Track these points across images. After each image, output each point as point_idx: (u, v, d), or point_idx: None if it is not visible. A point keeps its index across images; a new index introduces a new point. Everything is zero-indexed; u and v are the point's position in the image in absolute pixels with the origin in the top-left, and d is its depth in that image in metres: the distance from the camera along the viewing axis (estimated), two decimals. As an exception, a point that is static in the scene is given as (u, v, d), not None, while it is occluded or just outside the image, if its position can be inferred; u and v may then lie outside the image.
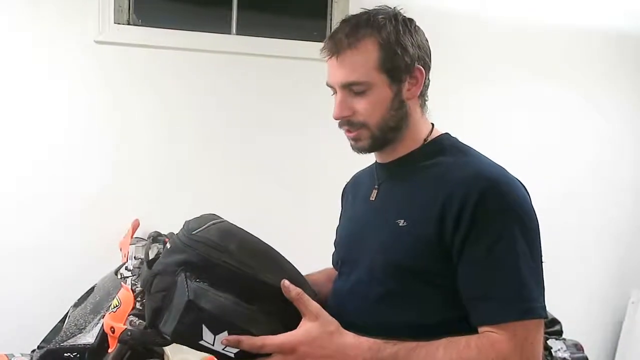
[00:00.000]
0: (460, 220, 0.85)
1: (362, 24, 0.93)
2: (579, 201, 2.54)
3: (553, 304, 1.47)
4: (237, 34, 2.23)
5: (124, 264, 1.61)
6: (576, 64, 2.52)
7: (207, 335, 0.78)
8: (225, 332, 0.78)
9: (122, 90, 2.10)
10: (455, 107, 2.27)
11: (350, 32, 0.93)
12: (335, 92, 0.97)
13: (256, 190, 2.22)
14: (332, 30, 0.97)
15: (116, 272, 1.56)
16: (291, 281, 0.85)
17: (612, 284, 2.63)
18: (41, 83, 2.04)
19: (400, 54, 0.93)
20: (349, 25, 0.94)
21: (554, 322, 1.36)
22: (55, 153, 2.06)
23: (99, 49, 2.06)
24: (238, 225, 0.90)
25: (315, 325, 0.83)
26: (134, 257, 1.62)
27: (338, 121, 0.97)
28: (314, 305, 0.85)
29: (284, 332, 0.82)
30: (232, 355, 0.80)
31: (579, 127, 2.56)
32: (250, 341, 0.80)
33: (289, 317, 0.83)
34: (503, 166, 0.93)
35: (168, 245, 0.89)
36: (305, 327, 0.83)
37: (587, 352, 1.56)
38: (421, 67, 0.96)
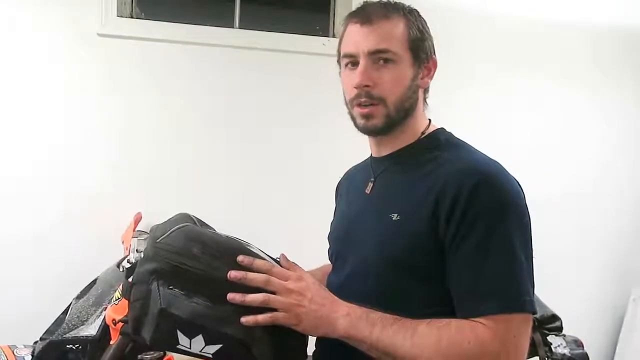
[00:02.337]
0: (452, 213, 0.85)
1: (391, 5, 0.97)
2: (580, 200, 2.53)
3: (554, 300, 1.47)
4: (239, 28, 2.23)
5: (126, 256, 1.62)
6: (579, 62, 2.51)
7: (183, 339, 0.80)
8: (200, 336, 0.80)
9: (125, 83, 2.10)
10: (456, 105, 2.26)
11: (384, 8, 0.96)
12: (350, 64, 0.96)
13: (258, 183, 2.22)
14: (359, 6, 0.99)
15: (118, 265, 1.57)
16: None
17: (614, 282, 2.63)
18: (43, 76, 2.04)
19: (424, 39, 0.97)
20: (379, 4, 0.98)
21: (554, 318, 1.36)
22: (57, 146, 2.06)
23: (101, 41, 2.06)
24: (210, 226, 0.90)
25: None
26: (136, 250, 1.63)
27: (354, 93, 0.95)
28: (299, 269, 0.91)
29: (259, 329, 0.82)
30: (210, 356, 0.81)
31: (580, 126, 2.55)
32: (262, 262, 0.85)
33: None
34: (499, 162, 0.92)
35: (142, 254, 0.90)
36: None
37: (587, 349, 1.56)
38: (435, 59, 1.00)
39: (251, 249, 0.91)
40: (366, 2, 0.99)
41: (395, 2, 0.99)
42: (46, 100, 2.04)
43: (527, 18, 2.42)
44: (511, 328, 0.81)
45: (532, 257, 0.87)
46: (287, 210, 2.22)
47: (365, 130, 0.98)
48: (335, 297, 0.88)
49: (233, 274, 0.82)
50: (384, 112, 0.94)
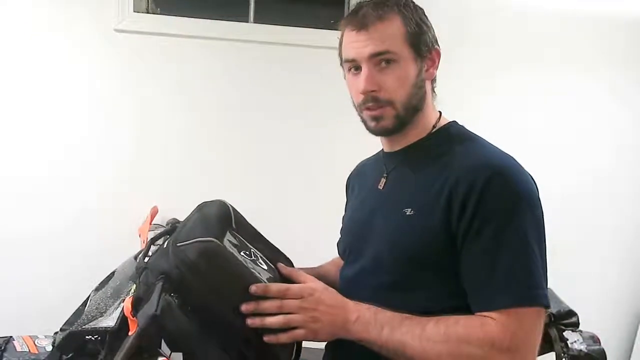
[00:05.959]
0: (466, 207, 0.85)
1: (384, 3, 0.95)
2: (598, 197, 2.50)
3: (571, 296, 1.46)
4: (254, 22, 2.24)
5: (144, 249, 1.63)
6: (597, 56, 2.47)
7: (164, 347, 0.81)
8: (181, 355, 0.80)
9: (141, 78, 2.13)
10: (474, 95, 2.24)
11: (377, 7, 0.94)
12: (356, 69, 0.96)
13: (274, 179, 2.23)
14: (352, 10, 0.98)
15: (136, 258, 1.58)
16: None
17: (631, 278, 2.60)
18: (61, 71, 2.07)
19: (424, 31, 0.95)
20: (373, 3, 0.95)
21: (571, 313, 1.34)
22: (75, 140, 2.09)
23: (118, 37, 2.08)
24: (227, 249, 0.89)
25: (319, 282, 0.90)
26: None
27: (362, 99, 0.95)
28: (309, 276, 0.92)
29: None
30: None
31: (599, 121, 2.51)
32: (276, 287, 0.86)
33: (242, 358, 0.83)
34: (512, 156, 0.92)
35: (164, 245, 0.90)
36: (314, 281, 0.90)
37: (604, 345, 1.54)
38: (438, 49, 0.98)
39: (261, 278, 0.89)
40: (360, 2, 0.98)
41: None
42: (65, 94, 2.07)
43: (547, 6, 2.39)
44: (523, 322, 0.81)
45: (545, 251, 0.87)
46: (304, 207, 2.23)
47: (376, 132, 0.99)
48: (345, 300, 0.89)
49: (245, 307, 0.83)
50: (393, 113, 0.95)
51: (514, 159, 0.91)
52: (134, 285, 1.26)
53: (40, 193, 2.08)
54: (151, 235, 1.73)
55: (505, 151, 0.93)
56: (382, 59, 0.92)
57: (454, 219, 0.86)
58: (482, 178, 0.85)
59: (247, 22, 2.24)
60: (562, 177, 2.40)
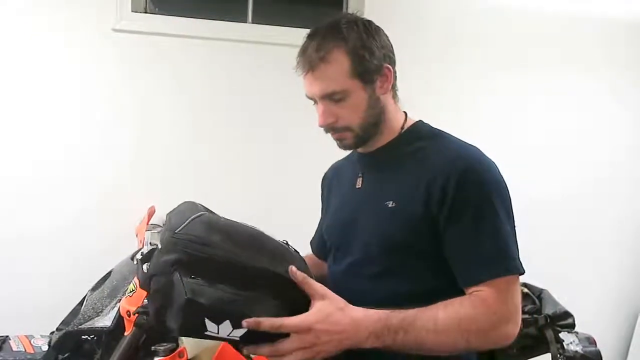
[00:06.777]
0: (444, 198, 0.94)
1: (329, 37, 0.99)
2: (595, 199, 2.51)
3: (568, 298, 1.46)
4: (253, 23, 2.24)
5: (140, 249, 1.63)
6: (595, 59, 2.47)
7: (210, 326, 0.80)
8: (227, 321, 0.80)
9: (140, 78, 2.13)
10: (474, 95, 2.24)
11: (319, 47, 0.99)
12: (315, 103, 1.04)
13: (273, 179, 2.23)
14: (301, 47, 1.03)
15: (132, 258, 1.59)
16: (278, 259, 0.87)
17: (628, 280, 2.60)
18: (60, 71, 2.07)
19: (368, 57, 0.99)
20: (317, 40, 1.00)
21: (567, 315, 1.34)
22: (75, 140, 2.09)
23: (117, 37, 2.08)
24: (217, 214, 0.91)
25: (325, 303, 0.86)
26: (150, 243, 1.64)
27: (323, 127, 1.05)
28: (319, 286, 0.88)
29: (285, 313, 0.83)
30: (238, 339, 0.82)
31: (597, 124, 2.51)
32: (270, 322, 0.82)
33: (288, 298, 0.84)
34: (478, 147, 1.02)
35: (159, 245, 0.90)
36: (317, 307, 0.86)
37: (601, 346, 1.54)
38: (388, 65, 1.03)
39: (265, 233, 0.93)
40: (309, 33, 1.02)
41: (333, 28, 1.00)
42: (63, 94, 2.07)
43: (543, 12, 2.38)
44: (510, 289, 0.93)
45: (514, 226, 0.98)
46: (305, 207, 2.21)
47: (342, 148, 1.09)
48: (352, 319, 0.86)
49: (246, 322, 0.80)
50: (352, 134, 1.04)
51: (481, 151, 1.01)
52: (131, 285, 1.27)
53: (40, 193, 2.08)
54: (148, 235, 1.74)
55: (470, 143, 1.03)
56: (332, 98, 1.00)
57: (434, 209, 0.95)
58: (458, 170, 0.95)
59: (246, 22, 2.24)
60: (562, 177, 2.39)
